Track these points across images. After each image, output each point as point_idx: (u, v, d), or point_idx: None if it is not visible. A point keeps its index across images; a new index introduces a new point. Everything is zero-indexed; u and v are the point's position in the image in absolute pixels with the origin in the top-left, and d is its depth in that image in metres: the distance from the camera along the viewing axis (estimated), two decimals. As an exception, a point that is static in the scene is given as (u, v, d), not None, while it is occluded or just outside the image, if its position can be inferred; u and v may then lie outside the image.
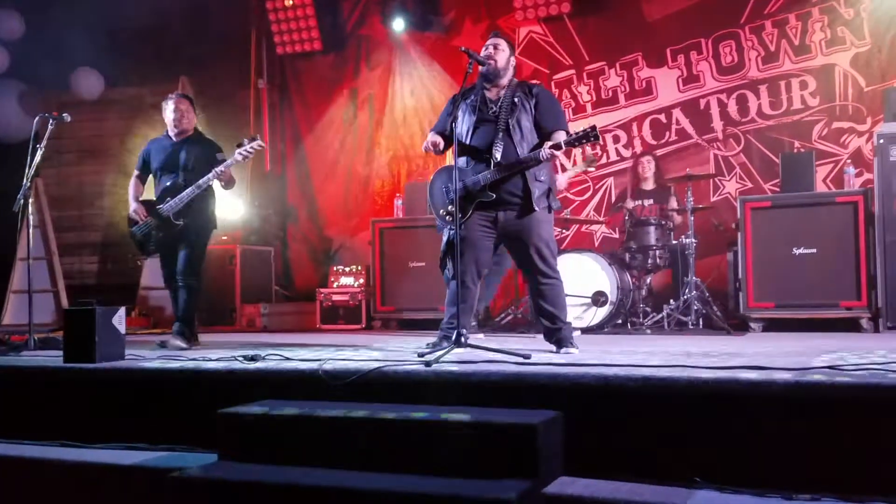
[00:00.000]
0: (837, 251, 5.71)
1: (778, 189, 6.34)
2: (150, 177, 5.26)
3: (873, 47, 6.63)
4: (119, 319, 4.07)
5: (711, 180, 7.07)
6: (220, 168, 4.91)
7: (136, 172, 5.29)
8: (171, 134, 5.17)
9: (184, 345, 4.84)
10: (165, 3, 8.14)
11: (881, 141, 5.70)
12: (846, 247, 5.69)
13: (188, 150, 5.10)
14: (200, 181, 4.92)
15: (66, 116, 5.14)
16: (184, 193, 4.95)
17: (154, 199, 5.11)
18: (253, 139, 4.93)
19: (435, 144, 4.25)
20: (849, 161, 6.55)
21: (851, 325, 5.65)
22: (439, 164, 7.32)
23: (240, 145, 4.92)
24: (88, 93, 8.83)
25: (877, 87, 6.51)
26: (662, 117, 7.34)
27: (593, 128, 3.94)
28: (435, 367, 3.31)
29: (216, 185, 5.06)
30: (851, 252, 5.67)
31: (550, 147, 3.96)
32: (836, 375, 2.82)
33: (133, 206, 5.17)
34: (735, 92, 7.09)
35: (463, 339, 3.77)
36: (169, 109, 5.15)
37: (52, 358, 4.13)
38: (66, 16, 7.87)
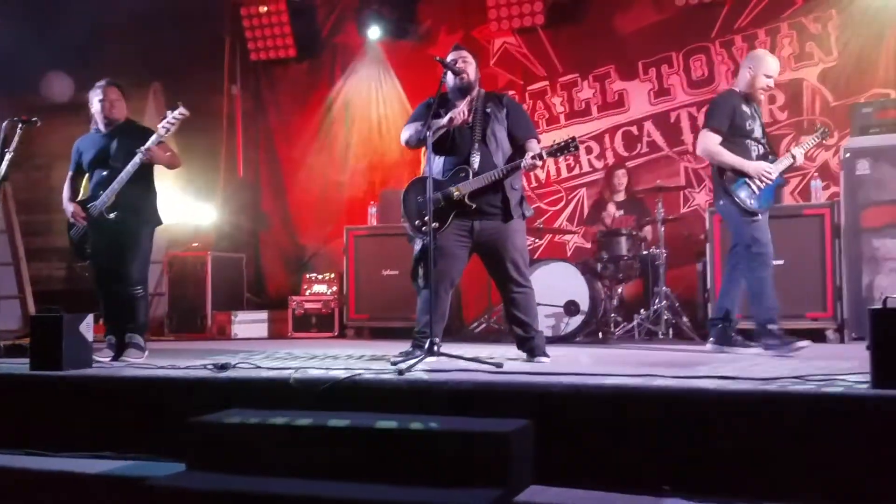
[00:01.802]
0: (804, 263, 5.79)
1: (747, 201, 6.42)
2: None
3: (840, 63, 6.76)
4: (86, 327, 4.03)
5: (682, 192, 7.15)
6: (144, 147, 4.51)
7: (69, 173, 4.94)
8: (101, 126, 4.85)
9: (140, 358, 4.54)
10: (138, 9, 8.07)
11: (848, 155, 5.80)
12: (813, 259, 5.78)
13: (119, 140, 4.72)
14: (128, 167, 4.55)
15: (36, 121, 5.05)
16: (113, 184, 4.57)
17: (86, 197, 4.79)
18: (175, 108, 4.59)
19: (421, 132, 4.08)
20: (816, 174, 6.66)
21: (817, 336, 5.72)
22: (414, 171, 7.35)
23: (163, 119, 4.60)
24: (59, 97, 8.72)
25: (843, 102, 6.64)
26: (634, 129, 7.42)
27: (573, 139, 4.06)
28: (407, 375, 3.32)
29: (162, 172, 4.73)
30: (818, 264, 5.76)
31: (533, 158, 4.01)
32: (800, 385, 2.87)
33: (69, 207, 4.81)
34: (705, 105, 7.16)
35: (435, 348, 3.79)
36: (96, 99, 4.79)
37: (19, 365, 4.06)
38: (36, 20, 7.77)
